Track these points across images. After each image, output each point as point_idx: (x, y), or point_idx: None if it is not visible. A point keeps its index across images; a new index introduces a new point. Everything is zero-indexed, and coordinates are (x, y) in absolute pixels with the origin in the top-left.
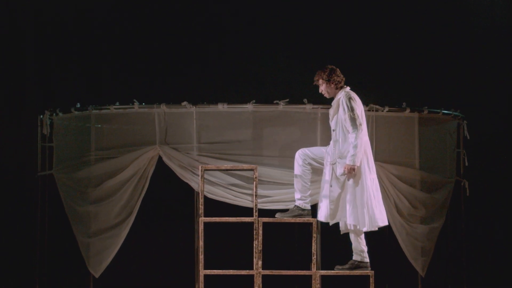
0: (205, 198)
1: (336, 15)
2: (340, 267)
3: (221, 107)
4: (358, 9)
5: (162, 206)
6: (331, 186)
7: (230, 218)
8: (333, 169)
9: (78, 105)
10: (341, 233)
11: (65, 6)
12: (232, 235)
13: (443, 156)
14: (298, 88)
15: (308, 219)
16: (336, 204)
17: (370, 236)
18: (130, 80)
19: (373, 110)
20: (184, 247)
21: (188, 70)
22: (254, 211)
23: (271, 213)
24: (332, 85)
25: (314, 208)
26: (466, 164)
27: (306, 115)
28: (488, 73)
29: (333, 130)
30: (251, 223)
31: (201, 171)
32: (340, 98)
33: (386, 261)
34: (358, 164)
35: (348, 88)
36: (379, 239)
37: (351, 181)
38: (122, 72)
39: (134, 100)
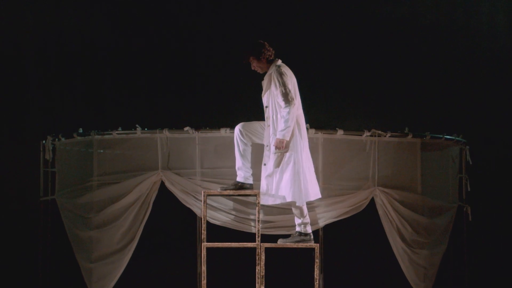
0: (208, 223)
1: (337, 39)
2: (283, 240)
3: (224, 132)
4: (361, 34)
5: (165, 232)
6: (264, 164)
7: (233, 243)
8: (270, 149)
9: (81, 131)
10: (281, 206)
11: (67, 32)
12: (234, 261)
13: (446, 181)
14: None
15: (311, 244)
16: (273, 181)
17: (371, 260)
18: (132, 106)
19: (375, 135)
20: (186, 272)
21: (191, 96)
22: (256, 236)
23: (273, 238)
24: (263, 60)
25: (316, 234)
26: (469, 189)
27: (308, 141)
28: (491, 98)
29: (266, 107)
30: (254, 249)
31: (204, 196)
32: (271, 73)
33: (388, 286)
34: (287, 139)
35: (279, 62)
36: (381, 264)
37: (285, 156)
38: (125, 98)
39: (137, 125)
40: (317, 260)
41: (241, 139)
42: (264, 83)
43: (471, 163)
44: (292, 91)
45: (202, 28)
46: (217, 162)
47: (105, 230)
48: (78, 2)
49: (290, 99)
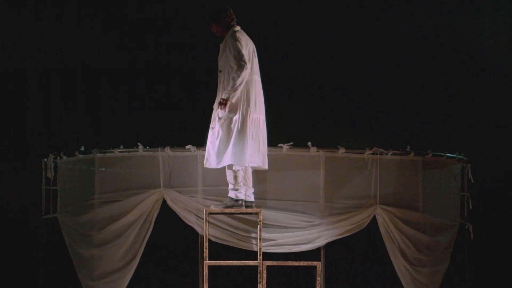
0: (209, 241)
1: (340, 57)
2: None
3: None
4: (363, 52)
5: (166, 250)
6: (212, 128)
7: (234, 261)
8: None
9: (82, 149)
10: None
11: (68, 49)
12: (236, 279)
13: (448, 199)
14: (302, 131)
15: (312, 262)
16: (215, 144)
17: (372, 278)
18: (134, 124)
19: (377, 154)
20: None
21: (192, 114)
22: (258, 254)
23: (275, 256)
24: (221, 25)
25: (318, 252)
26: (470, 207)
27: (310, 159)
28: (492, 116)
29: (220, 71)
30: (255, 267)
31: (206, 214)
32: (227, 38)
33: None
34: (232, 101)
35: (237, 27)
36: (383, 282)
37: (229, 120)
38: (126, 116)
39: (138, 143)
40: (318, 278)
41: None
42: (221, 47)
43: (472, 181)
44: (244, 57)
45: (204, 46)
46: (219, 180)
47: (107, 248)
48: (79, 21)
49: (243, 63)
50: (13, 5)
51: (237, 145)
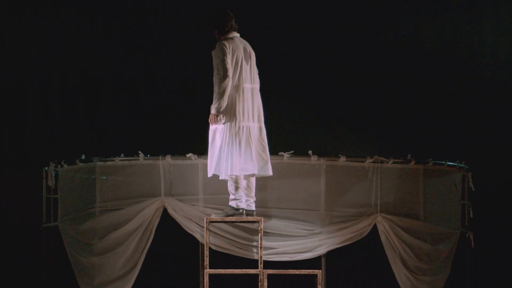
0: (210, 249)
1: (340, 66)
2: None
3: None
4: (364, 60)
5: (167, 258)
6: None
7: (235, 270)
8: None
9: (83, 157)
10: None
11: (69, 57)
12: (237, 287)
13: (448, 207)
14: (303, 139)
15: (313, 271)
16: (209, 155)
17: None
18: (135, 132)
19: (378, 162)
20: None
21: (193, 122)
22: (259, 263)
23: (276, 265)
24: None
25: (318, 260)
26: (471, 215)
27: (311, 167)
28: (493, 124)
29: (213, 78)
30: (256, 275)
31: (206, 223)
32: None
33: None
34: (214, 112)
35: (232, 35)
36: None
37: (214, 129)
38: (127, 124)
39: (139, 151)
40: (319, 287)
41: None
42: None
43: (473, 189)
44: (227, 66)
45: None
46: (220, 188)
47: (108, 257)
48: (80, 29)
49: (222, 73)
50: (13, 13)
51: (223, 154)
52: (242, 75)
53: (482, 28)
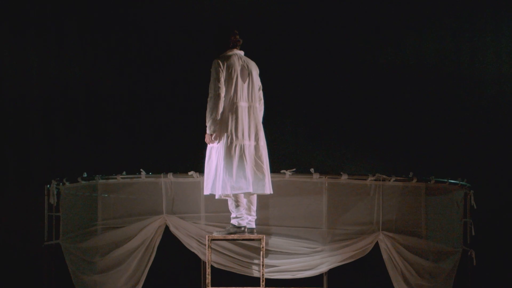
0: (212, 267)
1: (342, 83)
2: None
3: None
4: (365, 78)
5: (169, 276)
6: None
7: None
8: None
9: (85, 175)
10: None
11: (71, 76)
12: None
13: (450, 225)
14: (305, 157)
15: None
16: (209, 173)
17: None
18: (137, 150)
19: (380, 180)
20: None
21: (195, 140)
22: (261, 280)
23: (277, 282)
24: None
25: (320, 278)
26: (473, 233)
27: (312, 185)
28: (495, 143)
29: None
30: None
31: (208, 241)
32: None
33: None
34: (210, 132)
35: (231, 52)
36: None
37: (215, 148)
38: (129, 142)
39: (141, 169)
40: None
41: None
42: None
43: (475, 207)
44: (218, 85)
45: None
46: (221, 206)
47: (110, 275)
48: (82, 47)
49: (213, 93)
50: (15, 32)
51: (217, 173)
52: (237, 93)
53: (484, 47)
